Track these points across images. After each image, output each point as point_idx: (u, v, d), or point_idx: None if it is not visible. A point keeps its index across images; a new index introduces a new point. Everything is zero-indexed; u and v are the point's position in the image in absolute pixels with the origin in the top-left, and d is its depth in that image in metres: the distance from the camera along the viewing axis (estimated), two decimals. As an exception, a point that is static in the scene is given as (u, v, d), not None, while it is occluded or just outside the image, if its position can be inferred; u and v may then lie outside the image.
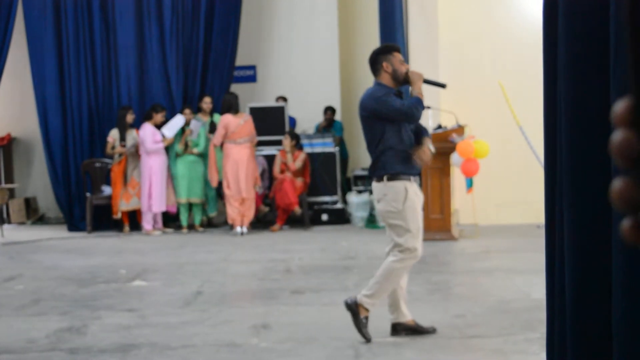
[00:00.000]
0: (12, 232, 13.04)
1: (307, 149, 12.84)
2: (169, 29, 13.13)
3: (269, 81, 14.61)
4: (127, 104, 12.98)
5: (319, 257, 9.75)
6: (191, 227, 12.69)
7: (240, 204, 11.99)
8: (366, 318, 5.76)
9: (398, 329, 5.89)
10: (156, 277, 8.77)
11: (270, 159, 12.84)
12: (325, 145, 13.05)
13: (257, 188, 12.19)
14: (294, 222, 12.59)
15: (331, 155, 13.01)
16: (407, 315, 5.90)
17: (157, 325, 6.50)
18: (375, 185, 5.81)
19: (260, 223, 12.82)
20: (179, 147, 12.54)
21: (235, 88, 13.59)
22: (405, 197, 5.65)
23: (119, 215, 12.70)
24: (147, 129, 12.34)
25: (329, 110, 14.11)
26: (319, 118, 14.20)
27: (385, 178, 5.70)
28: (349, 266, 8.93)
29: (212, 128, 12.59)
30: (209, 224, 13.01)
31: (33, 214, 14.61)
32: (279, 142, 12.88)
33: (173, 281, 8.49)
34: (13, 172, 14.72)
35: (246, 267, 9.31)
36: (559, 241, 2.79)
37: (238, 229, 11.94)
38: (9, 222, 14.13)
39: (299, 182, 12.45)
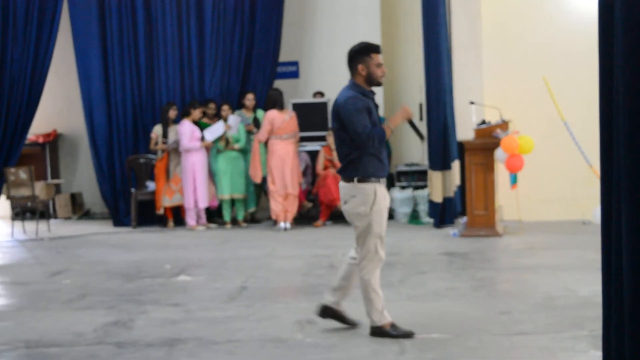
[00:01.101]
0: (58, 227, 13.21)
1: (350, 145, 12.81)
2: (210, 25, 13.18)
3: (311, 77, 14.61)
4: (169, 100, 13.07)
5: (362, 252, 9.72)
6: (234, 222, 12.74)
7: (284, 200, 12.02)
8: (392, 325, 5.84)
9: (327, 312, 6.08)
10: (200, 272, 8.82)
11: (313, 155, 12.84)
12: (368, 141, 12.99)
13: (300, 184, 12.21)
14: (337, 217, 12.58)
15: (374, 151, 12.95)
16: (341, 306, 6.10)
17: (202, 320, 6.53)
18: (343, 185, 5.82)
19: (304, 219, 12.84)
20: (220, 144, 12.57)
21: (277, 84, 13.61)
22: (374, 200, 5.69)
23: (161, 211, 12.79)
24: (186, 126, 12.40)
25: (372, 106, 14.07)
26: (362, 114, 14.16)
27: (355, 179, 5.72)
28: (393, 262, 8.91)
29: (256, 124, 12.63)
30: (252, 220, 13.05)
31: (79, 209, 14.77)
32: (321, 138, 12.88)
33: (217, 276, 8.53)
34: (59, 167, 14.90)
35: (290, 263, 9.33)
36: (615, 239, 2.74)
37: (282, 224, 11.98)
38: (56, 217, 14.33)
39: (342, 178, 12.45)
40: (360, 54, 5.82)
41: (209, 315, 6.73)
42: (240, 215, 12.74)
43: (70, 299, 7.56)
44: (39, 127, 14.29)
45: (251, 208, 12.96)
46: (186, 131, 12.36)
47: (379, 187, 5.73)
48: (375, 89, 6.03)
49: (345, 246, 10.21)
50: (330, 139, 12.48)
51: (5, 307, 7.72)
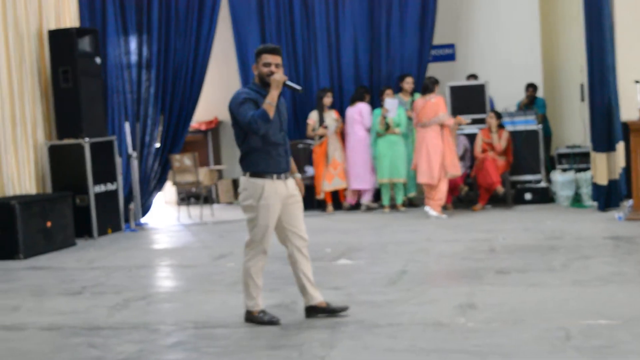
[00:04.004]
0: (221, 212, 13.58)
1: (509, 127, 12.61)
2: (365, 9, 13.17)
3: (468, 59, 14.46)
4: (324, 87, 13.11)
5: (523, 236, 9.57)
6: (393, 206, 12.71)
7: (429, 189, 11.73)
8: (262, 312, 6.21)
9: (311, 312, 6.27)
10: (360, 256, 8.89)
11: (471, 138, 12.69)
12: (528, 123, 12.77)
13: (447, 175, 11.78)
14: (496, 201, 12.40)
15: (534, 133, 12.72)
16: (317, 298, 6.29)
17: (364, 304, 6.59)
18: (241, 177, 6.19)
19: (462, 203, 12.72)
20: (379, 128, 12.54)
21: (434, 67, 13.52)
22: (260, 195, 6.05)
23: (321, 196, 12.94)
24: (364, 108, 12.56)
25: (531, 87, 13.80)
26: (520, 95, 13.92)
27: (248, 174, 6.09)
28: (555, 246, 8.73)
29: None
30: (409, 204, 12.97)
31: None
32: (480, 121, 12.71)
33: (377, 260, 8.57)
34: (221, 154, 15.31)
35: (449, 247, 9.26)
36: None
37: (425, 208, 11.74)
38: (218, 202, 14.74)
39: (501, 161, 12.25)
40: (255, 56, 6.23)
41: (369, 298, 6.78)
42: (399, 200, 12.68)
43: (235, 281, 7.76)
44: (201, 115, 14.72)
45: (411, 193, 12.86)
46: (365, 113, 12.56)
47: (270, 183, 6.08)
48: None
49: (505, 230, 10.08)
50: (492, 121, 12.30)
51: (173, 288, 8.04)
